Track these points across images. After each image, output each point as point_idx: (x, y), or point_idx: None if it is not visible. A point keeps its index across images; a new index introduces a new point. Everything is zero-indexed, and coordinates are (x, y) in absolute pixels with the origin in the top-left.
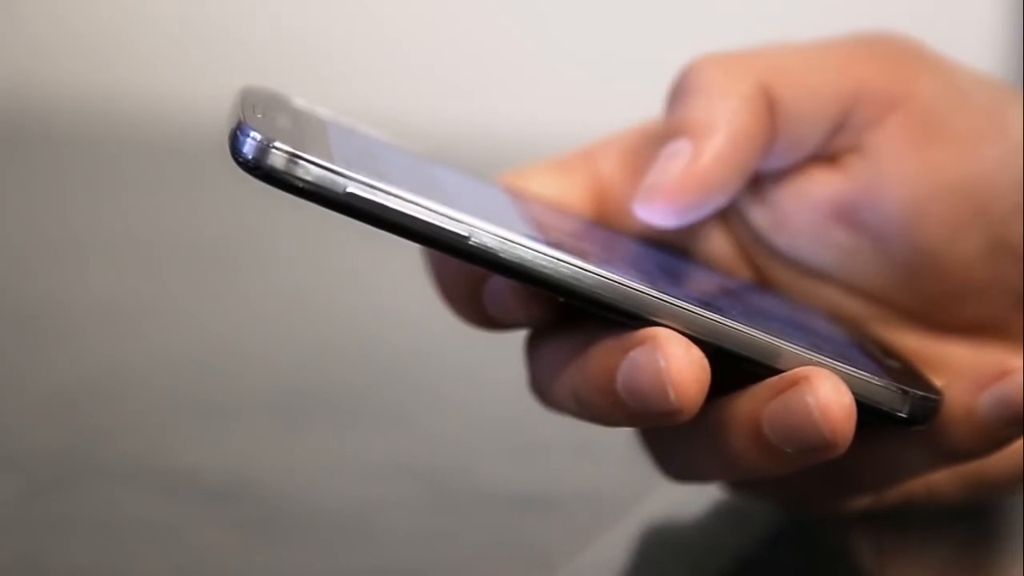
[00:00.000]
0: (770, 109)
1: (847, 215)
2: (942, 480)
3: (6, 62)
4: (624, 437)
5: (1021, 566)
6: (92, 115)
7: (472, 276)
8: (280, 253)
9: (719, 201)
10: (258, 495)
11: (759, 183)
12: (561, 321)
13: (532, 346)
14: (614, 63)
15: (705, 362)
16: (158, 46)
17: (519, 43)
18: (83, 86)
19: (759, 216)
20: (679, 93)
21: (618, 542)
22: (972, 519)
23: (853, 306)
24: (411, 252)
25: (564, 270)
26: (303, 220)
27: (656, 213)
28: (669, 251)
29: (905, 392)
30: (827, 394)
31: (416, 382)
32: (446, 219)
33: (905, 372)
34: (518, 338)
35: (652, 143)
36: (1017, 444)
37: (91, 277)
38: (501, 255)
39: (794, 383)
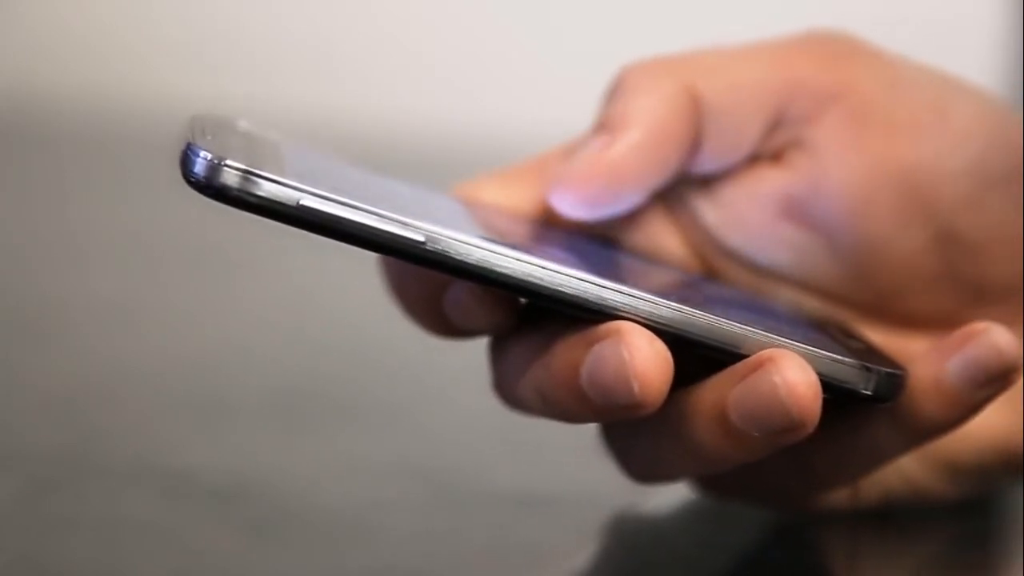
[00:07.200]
0: (694, 108)
1: (794, 211)
2: (918, 471)
3: (6, 62)
4: None
5: (1022, 567)
6: (92, 115)
7: (431, 284)
8: (280, 253)
9: (633, 195)
10: (258, 495)
11: (710, 183)
12: (524, 324)
13: (496, 347)
14: (614, 63)
15: (668, 354)
16: (158, 46)
17: (518, 43)
18: (83, 86)
19: (711, 215)
20: (608, 96)
21: (618, 542)
22: (968, 519)
23: (809, 305)
24: None
25: (523, 268)
26: None
27: (566, 201)
28: (626, 252)
29: (869, 369)
30: (793, 374)
31: (416, 382)
32: (401, 225)
33: (868, 351)
34: None
35: None
36: (986, 429)
37: (91, 277)
38: (458, 258)
39: (759, 366)
